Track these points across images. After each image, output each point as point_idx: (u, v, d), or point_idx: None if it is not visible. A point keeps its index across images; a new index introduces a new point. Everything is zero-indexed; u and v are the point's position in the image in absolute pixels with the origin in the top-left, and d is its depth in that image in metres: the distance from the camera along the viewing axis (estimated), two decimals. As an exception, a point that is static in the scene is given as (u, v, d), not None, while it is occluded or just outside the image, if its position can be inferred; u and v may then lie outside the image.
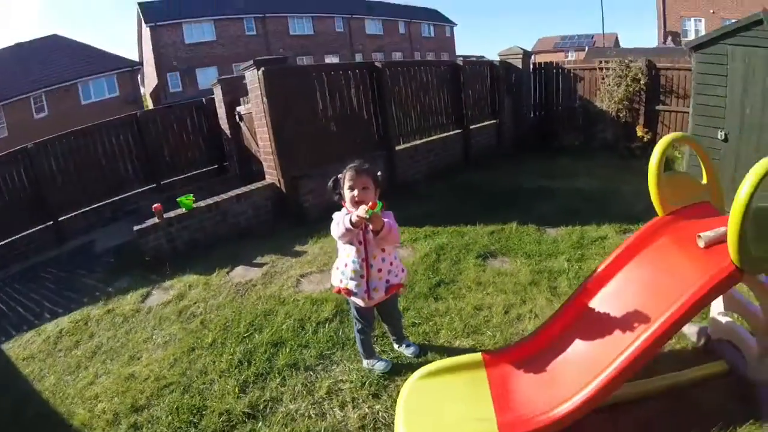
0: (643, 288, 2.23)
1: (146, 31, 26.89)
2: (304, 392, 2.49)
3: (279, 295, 3.67)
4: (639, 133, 8.93)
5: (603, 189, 6.32)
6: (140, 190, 7.44)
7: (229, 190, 5.69)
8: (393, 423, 2.15)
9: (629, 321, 2.04)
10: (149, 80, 25.54)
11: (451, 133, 7.79)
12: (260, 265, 4.30)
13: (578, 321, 2.29)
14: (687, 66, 8.61)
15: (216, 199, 5.15)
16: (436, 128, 7.42)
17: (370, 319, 2.52)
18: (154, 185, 7.53)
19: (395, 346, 2.71)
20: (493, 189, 6.36)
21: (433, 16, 43.89)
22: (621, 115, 9.10)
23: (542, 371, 2.15)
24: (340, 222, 2.09)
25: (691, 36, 24.49)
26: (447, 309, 3.14)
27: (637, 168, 7.86)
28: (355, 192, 2.14)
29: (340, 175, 2.26)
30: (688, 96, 8.61)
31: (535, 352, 2.28)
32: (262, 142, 5.51)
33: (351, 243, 2.19)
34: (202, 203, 5.07)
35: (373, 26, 36.79)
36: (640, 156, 8.31)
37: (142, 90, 26.37)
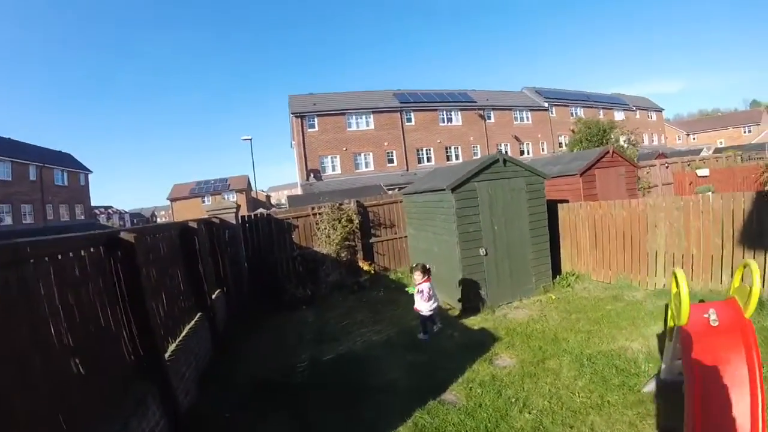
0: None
1: None
2: None
3: None
4: (366, 267, 10.04)
5: (399, 333, 6.53)
6: None
7: None
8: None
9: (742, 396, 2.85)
10: None
11: (197, 318, 6.19)
12: None
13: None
14: (389, 201, 10.59)
15: None
16: (184, 318, 5.71)
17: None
18: None
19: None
20: (291, 379, 5.28)
21: (66, 161, 42.85)
22: (342, 254, 10.00)
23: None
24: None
25: (329, 171, 31.06)
26: None
27: (378, 298, 8.99)
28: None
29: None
30: (394, 225, 10.51)
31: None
32: None
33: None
34: None
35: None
36: (371, 288, 9.26)
37: None
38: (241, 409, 4.57)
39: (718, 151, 31.74)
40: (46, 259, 2.96)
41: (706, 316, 3.22)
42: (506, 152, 35.69)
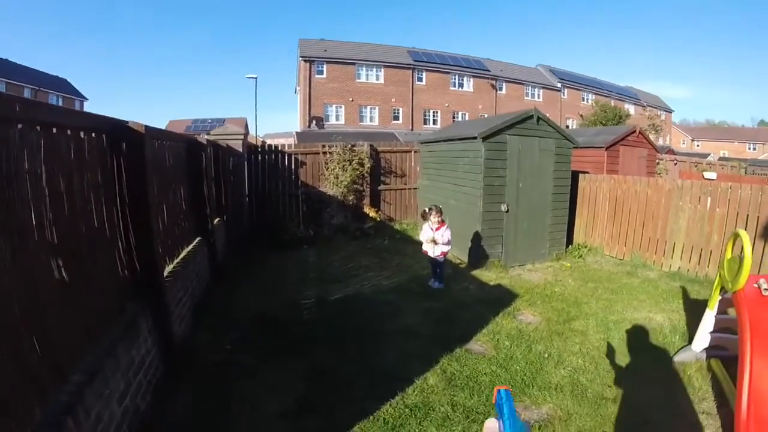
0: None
1: None
2: None
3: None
4: (372, 214, 9.58)
5: (409, 280, 6.16)
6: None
7: None
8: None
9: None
10: None
11: (196, 242, 5.76)
12: None
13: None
14: (403, 149, 10.06)
15: None
16: (183, 240, 5.26)
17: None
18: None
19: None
20: (296, 317, 4.85)
21: (62, 86, 40.62)
22: (349, 198, 9.54)
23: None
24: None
25: (333, 120, 30.18)
26: None
27: (383, 246, 8.60)
28: None
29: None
30: (404, 175, 10.04)
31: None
32: None
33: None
34: None
35: (-8, 90, 28.79)
36: (375, 235, 8.86)
37: None
38: (241, 347, 4.06)
39: (722, 159, 31.51)
40: (38, 128, 2.43)
41: (756, 285, 3.07)
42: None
